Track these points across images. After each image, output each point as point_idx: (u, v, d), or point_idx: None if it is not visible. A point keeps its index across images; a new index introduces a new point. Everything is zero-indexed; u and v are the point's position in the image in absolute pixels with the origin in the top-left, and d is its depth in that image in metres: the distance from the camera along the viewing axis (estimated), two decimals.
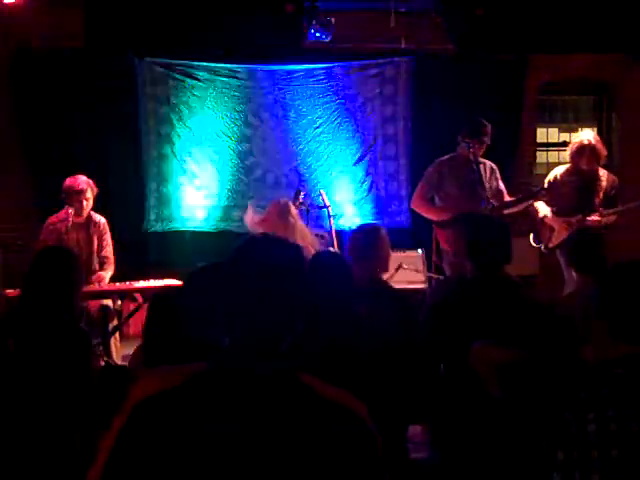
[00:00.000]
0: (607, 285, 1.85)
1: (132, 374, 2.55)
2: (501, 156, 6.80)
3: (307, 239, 4.73)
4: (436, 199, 5.29)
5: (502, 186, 5.34)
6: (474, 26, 6.66)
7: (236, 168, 7.04)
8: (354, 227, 3.89)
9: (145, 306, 4.79)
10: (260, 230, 4.71)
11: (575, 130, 7.63)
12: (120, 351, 5.12)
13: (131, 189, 6.81)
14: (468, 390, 2.69)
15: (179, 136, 6.97)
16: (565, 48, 6.85)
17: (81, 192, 5.08)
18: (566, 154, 5.64)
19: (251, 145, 7.05)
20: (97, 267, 5.24)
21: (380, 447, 1.35)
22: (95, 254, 5.23)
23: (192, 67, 6.91)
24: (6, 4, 5.91)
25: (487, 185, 5.17)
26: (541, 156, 7.68)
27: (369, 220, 7.12)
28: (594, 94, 7.63)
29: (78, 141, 6.63)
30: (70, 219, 5.08)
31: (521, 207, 5.30)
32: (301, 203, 5.72)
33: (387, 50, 6.97)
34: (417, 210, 5.41)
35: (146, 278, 5.13)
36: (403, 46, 6.86)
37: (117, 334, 5.18)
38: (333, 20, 6.45)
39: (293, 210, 4.85)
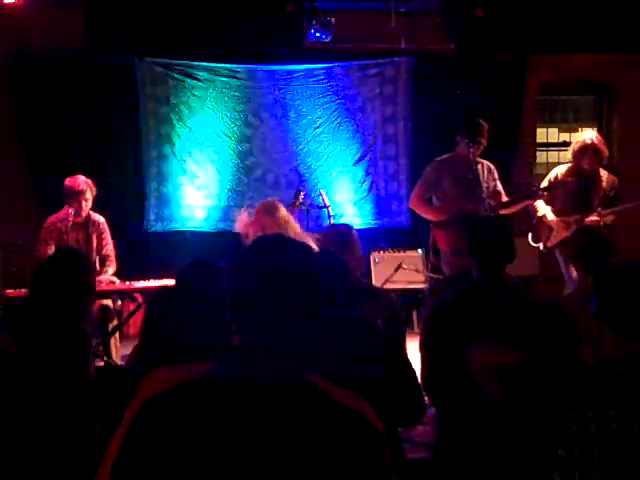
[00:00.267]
0: (607, 284, 1.85)
1: (130, 374, 2.55)
2: (501, 156, 6.82)
3: (301, 239, 4.68)
4: (434, 199, 5.29)
5: (500, 186, 5.34)
6: (474, 26, 6.66)
7: (236, 168, 7.05)
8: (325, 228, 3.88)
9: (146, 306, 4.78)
10: (251, 232, 4.63)
11: (575, 130, 7.64)
12: (120, 351, 5.12)
13: (131, 189, 6.81)
14: (469, 390, 2.69)
15: (179, 136, 6.97)
16: (565, 48, 6.86)
17: (80, 193, 5.08)
18: (566, 154, 5.64)
19: (251, 145, 7.06)
20: (97, 266, 5.24)
21: (387, 450, 1.34)
22: (94, 253, 5.23)
23: (192, 67, 6.92)
24: (6, 4, 5.91)
25: (484, 185, 5.18)
26: (541, 156, 7.68)
27: (369, 220, 7.13)
28: (594, 94, 7.63)
29: (78, 141, 6.64)
30: (70, 219, 5.08)
31: (518, 207, 5.30)
32: (301, 203, 5.72)
33: (387, 50, 6.97)
34: (415, 210, 5.42)
35: (146, 278, 5.13)
36: (403, 46, 6.86)
37: (117, 334, 5.17)
38: (333, 20, 6.45)
39: (282, 209, 4.75)
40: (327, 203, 5.95)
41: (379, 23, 6.68)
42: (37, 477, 2.43)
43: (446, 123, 6.28)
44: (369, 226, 7.12)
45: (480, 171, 5.20)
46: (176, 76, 6.91)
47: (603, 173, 5.38)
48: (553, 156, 7.69)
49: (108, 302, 5.09)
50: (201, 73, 6.94)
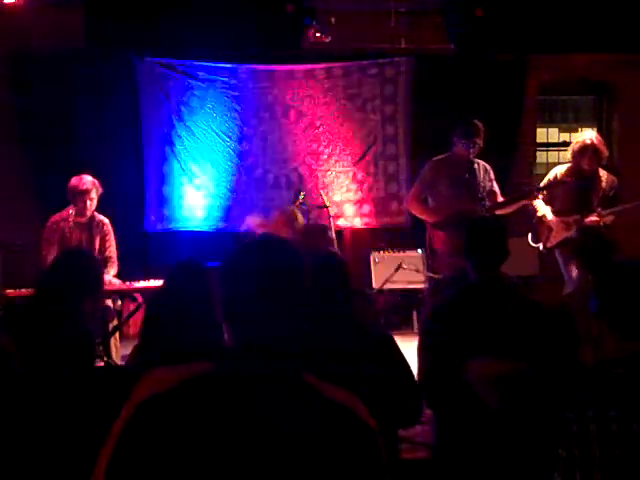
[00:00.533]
0: (607, 284, 1.85)
1: (129, 374, 2.55)
2: (501, 156, 6.83)
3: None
4: (429, 199, 5.30)
5: (496, 187, 5.34)
6: (474, 26, 6.67)
7: (236, 168, 7.05)
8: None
9: (145, 306, 4.79)
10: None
11: (575, 130, 7.64)
12: (120, 351, 5.12)
13: (131, 189, 6.81)
14: (468, 391, 2.69)
15: (179, 136, 6.97)
16: (565, 48, 6.86)
17: (85, 192, 5.07)
18: (566, 154, 5.64)
19: (251, 145, 7.06)
20: None
21: (382, 449, 1.35)
22: (97, 254, 5.23)
23: (192, 67, 6.92)
24: (6, 4, 5.91)
25: (481, 185, 5.19)
26: (541, 156, 7.68)
27: (369, 220, 7.13)
28: (594, 94, 7.63)
29: (78, 141, 6.64)
30: (70, 219, 5.08)
31: (514, 207, 5.30)
32: (301, 203, 5.73)
33: (387, 50, 6.97)
34: (411, 210, 5.43)
35: (146, 278, 5.13)
36: (403, 46, 6.86)
37: (117, 334, 5.17)
38: (333, 20, 6.46)
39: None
40: (327, 203, 5.95)
41: (379, 23, 6.68)
42: (38, 477, 2.43)
43: (446, 123, 6.28)
44: (369, 226, 7.12)
45: (476, 171, 5.21)
46: (176, 76, 6.91)
47: (603, 173, 5.37)
48: (553, 156, 7.69)
49: (108, 302, 5.09)
50: (201, 73, 6.93)
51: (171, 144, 6.97)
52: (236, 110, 7.01)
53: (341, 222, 6.92)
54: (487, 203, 5.10)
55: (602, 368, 1.75)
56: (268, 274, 1.38)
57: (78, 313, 2.74)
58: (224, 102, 6.99)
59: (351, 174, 7.12)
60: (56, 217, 5.18)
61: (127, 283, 5.12)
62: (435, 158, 5.28)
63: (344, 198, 7.07)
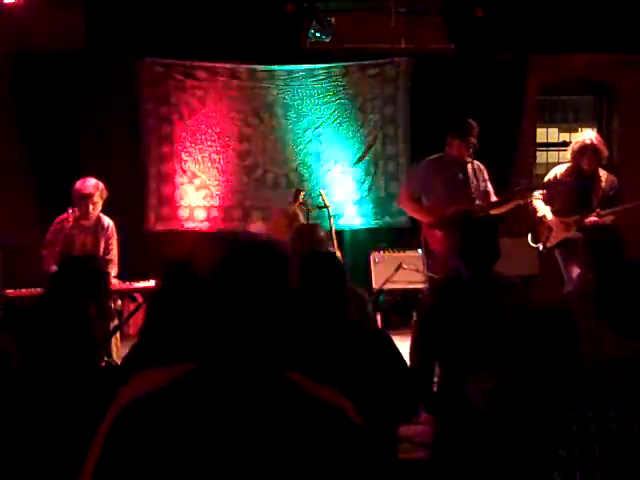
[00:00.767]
0: (607, 283, 1.85)
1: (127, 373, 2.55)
2: (501, 156, 6.83)
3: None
4: (423, 198, 5.31)
5: (489, 186, 5.34)
6: (474, 26, 6.67)
7: (236, 168, 7.05)
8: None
9: (145, 306, 4.79)
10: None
11: (575, 130, 7.64)
12: (120, 351, 5.12)
13: (131, 189, 6.81)
14: (461, 391, 2.70)
15: (179, 136, 6.97)
16: (565, 48, 6.85)
17: (87, 196, 5.05)
18: (566, 154, 5.64)
19: (251, 145, 7.06)
20: None
21: (367, 445, 1.36)
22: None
23: (192, 67, 6.91)
24: (6, 4, 5.91)
25: (474, 185, 5.20)
26: (541, 156, 7.68)
27: (369, 220, 7.13)
28: (594, 94, 7.63)
29: (78, 141, 6.64)
30: (70, 219, 5.08)
31: (507, 207, 5.30)
32: (301, 203, 5.72)
33: (387, 50, 6.97)
34: (404, 209, 5.45)
35: (146, 278, 5.13)
36: (403, 46, 6.86)
37: (117, 334, 5.17)
38: (333, 20, 6.45)
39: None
40: (327, 203, 5.95)
41: (379, 23, 6.68)
42: (38, 477, 2.43)
43: (446, 123, 6.28)
44: (369, 226, 7.12)
45: (470, 171, 5.23)
46: (176, 76, 6.91)
47: (602, 173, 5.37)
48: (553, 156, 7.69)
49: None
50: (201, 73, 6.93)
51: (171, 144, 6.97)
52: (236, 110, 7.01)
53: (341, 222, 6.92)
54: (480, 203, 5.12)
55: (602, 368, 1.75)
56: (251, 277, 1.38)
57: (83, 317, 2.76)
58: (224, 102, 6.99)
59: (351, 174, 7.12)
60: (60, 218, 5.18)
61: (127, 283, 5.12)
62: (429, 158, 5.29)
63: (344, 198, 7.07)
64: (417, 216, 5.33)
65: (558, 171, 5.49)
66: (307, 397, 1.34)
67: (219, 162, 7.02)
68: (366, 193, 7.14)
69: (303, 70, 7.02)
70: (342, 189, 7.08)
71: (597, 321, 1.84)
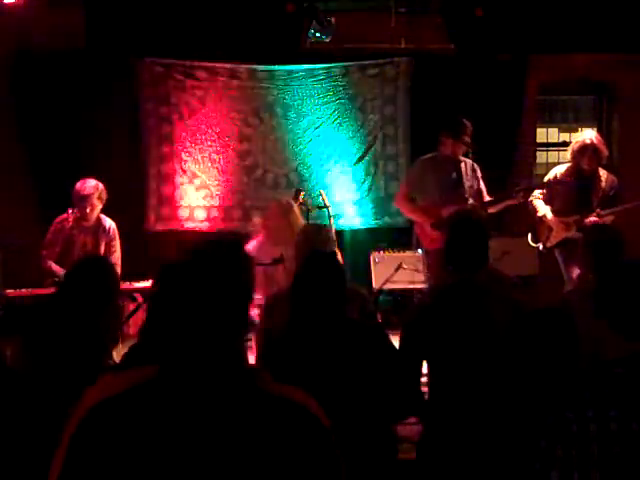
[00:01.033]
0: (607, 284, 1.85)
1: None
2: (501, 156, 6.83)
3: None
4: (418, 198, 5.32)
5: (482, 186, 5.35)
6: (474, 26, 6.66)
7: (236, 168, 7.05)
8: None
9: (145, 306, 4.79)
10: (263, 232, 4.78)
11: (575, 130, 7.64)
12: (121, 351, 5.12)
13: (131, 189, 6.80)
14: (457, 389, 2.71)
15: (179, 136, 6.97)
16: (565, 48, 6.85)
17: (85, 198, 5.04)
18: (566, 154, 5.64)
19: (251, 145, 7.05)
20: None
21: (335, 443, 1.35)
22: None
23: (192, 67, 6.91)
24: (6, 4, 5.91)
25: (468, 184, 5.22)
26: (541, 156, 7.68)
27: (369, 220, 7.13)
28: (594, 94, 7.62)
29: (78, 141, 6.64)
30: (70, 219, 5.08)
31: (500, 207, 5.31)
32: (301, 203, 5.72)
33: (387, 50, 6.96)
34: (400, 209, 5.47)
35: (146, 278, 5.13)
36: (403, 46, 6.86)
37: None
38: (333, 20, 6.45)
39: (296, 209, 4.88)
40: (327, 203, 5.95)
41: (379, 23, 6.68)
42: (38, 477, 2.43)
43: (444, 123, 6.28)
44: (369, 226, 7.12)
45: (464, 170, 5.25)
46: (176, 76, 6.91)
47: (602, 173, 5.37)
48: (553, 156, 7.68)
49: None
50: (201, 73, 6.93)
51: (171, 144, 6.97)
52: (236, 110, 7.01)
53: (341, 222, 6.92)
54: (472, 202, 5.15)
55: (602, 368, 1.75)
56: (205, 275, 1.38)
57: (95, 318, 2.76)
58: (224, 102, 6.98)
59: (351, 174, 7.12)
60: (60, 218, 5.18)
61: (127, 283, 5.11)
62: (423, 157, 5.31)
63: (344, 198, 7.07)
64: (413, 217, 5.35)
65: (558, 171, 5.49)
66: (270, 396, 1.34)
67: (219, 162, 7.02)
68: (366, 193, 7.14)
69: (303, 70, 7.02)
70: (342, 189, 7.08)
71: (597, 321, 1.83)
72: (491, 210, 5.27)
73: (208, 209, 7.05)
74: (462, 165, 5.25)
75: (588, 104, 7.76)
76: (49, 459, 2.43)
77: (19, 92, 6.60)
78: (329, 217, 5.90)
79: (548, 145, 7.70)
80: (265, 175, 7.09)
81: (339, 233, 6.52)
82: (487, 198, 5.32)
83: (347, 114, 7.07)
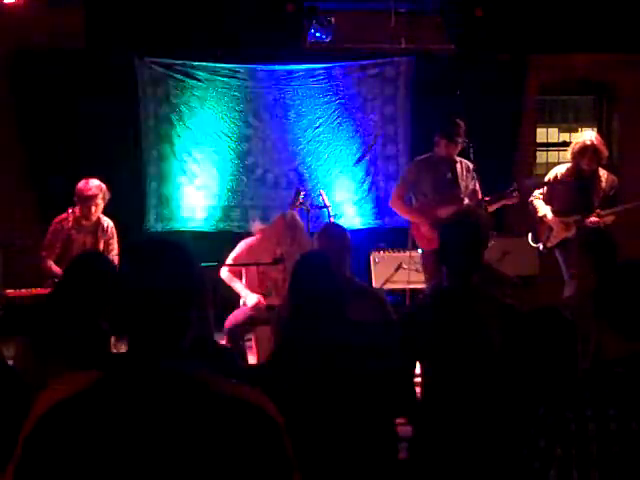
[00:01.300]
0: (607, 284, 1.85)
1: None
2: (501, 156, 6.83)
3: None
4: (413, 199, 5.34)
5: (477, 186, 5.37)
6: (474, 26, 6.67)
7: (236, 168, 7.05)
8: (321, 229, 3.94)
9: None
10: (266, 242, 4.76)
11: (575, 130, 7.64)
12: (121, 351, 5.13)
13: (131, 189, 6.80)
14: (450, 391, 2.71)
15: (179, 136, 6.96)
16: (565, 48, 6.86)
17: (90, 198, 5.05)
18: (566, 154, 5.64)
19: (251, 145, 7.05)
20: None
21: (286, 441, 1.35)
22: None
23: (192, 67, 6.91)
24: (6, 4, 5.91)
25: (463, 184, 5.23)
26: (541, 156, 7.68)
27: (369, 220, 7.13)
28: (594, 94, 7.63)
29: (78, 141, 6.63)
30: (70, 219, 5.08)
31: (494, 207, 5.32)
32: (301, 203, 5.72)
33: (387, 50, 6.96)
34: (395, 210, 5.49)
35: None
36: (403, 46, 6.86)
37: None
38: (333, 20, 6.46)
39: (300, 223, 4.84)
40: (327, 203, 5.95)
41: (379, 23, 6.68)
42: None
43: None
44: (369, 226, 7.12)
45: (459, 170, 5.26)
46: (176, 76, 6.90)
47: (602, 173, 5.38)
48: (553, 156, 7.68)
49: None
50: (201, 73, 6.93)
51: (171, 144, 6.97)
52: (236, 110, 7.01)
53: (341, 222, 6.91)
54: (467, 202, 5.17)
55: (602, 368, 1.75)
56: (147, 274, 1.39)
57: (95, 315, 2.76)
58: (224, 102, 6.98)
59: (351, 174, 7.12)
60: (59, 218, 5.19)
61: None
62: (418, 158, 5.33)
63: (344, 198, 7.07)
64: (409, 217, 5.37)
65: (558, 171, 5.49)
66: (217, 396, 1.34)
67: (219, 162, 7.02)
68: (366, 193, 7.14)
69: (303, 70, 7.01)
70: (342, 189, 7.08)
71: (597, 321, 1.83)
72: (489, 209, 5.28)
73: (208, 209, 7.04)
74: (457, 165, 5.27)
75: (588, 104, 7.77)
76: None
77: (19, 92, 6.60)
78: (329, 217, 5.91)
79: (548, 145, 7.70)
80: (265, 175, 7.09)
81: None
82: (485, 198, 5.33)
83: (347, 114, 7.08)
